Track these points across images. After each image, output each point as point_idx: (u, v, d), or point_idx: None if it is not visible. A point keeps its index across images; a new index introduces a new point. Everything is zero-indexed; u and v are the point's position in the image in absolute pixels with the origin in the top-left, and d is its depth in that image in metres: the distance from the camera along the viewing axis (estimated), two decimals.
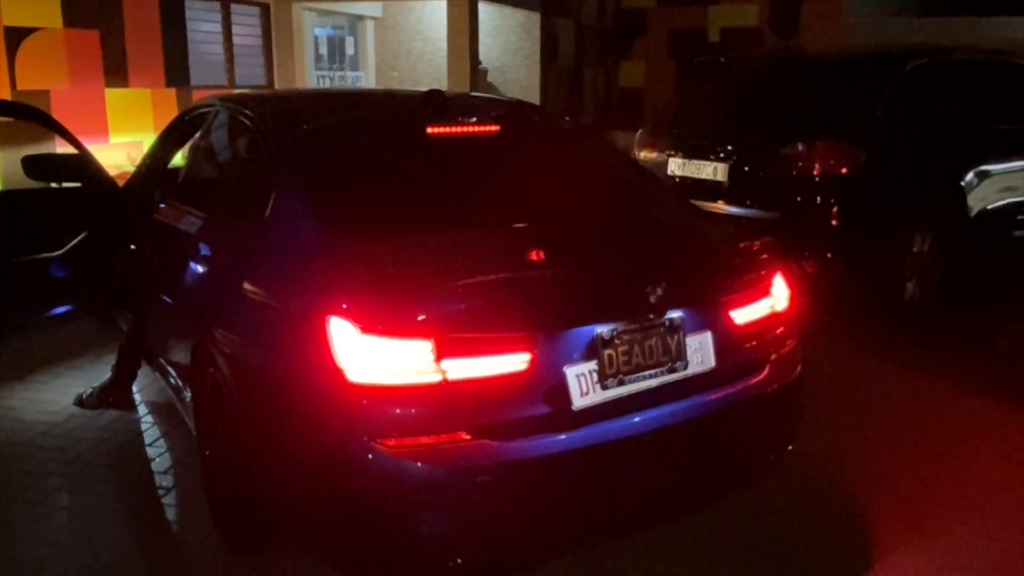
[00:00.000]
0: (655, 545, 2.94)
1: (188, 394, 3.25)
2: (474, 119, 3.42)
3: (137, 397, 4.20)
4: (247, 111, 3.30)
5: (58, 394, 4.24)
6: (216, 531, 2.99)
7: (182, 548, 3.02)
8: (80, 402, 4.10)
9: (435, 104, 3.39)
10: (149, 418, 4.04)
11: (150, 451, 3.71)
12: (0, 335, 4.14)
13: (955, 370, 4.66)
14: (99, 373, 4.37)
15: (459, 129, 3.33)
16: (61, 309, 4.18)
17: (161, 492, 3.38)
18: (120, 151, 9.09)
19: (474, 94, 5.79)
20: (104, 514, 3.19)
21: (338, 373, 2.23)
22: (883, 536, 3.05)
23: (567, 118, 4.54)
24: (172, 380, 3.57)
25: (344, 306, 2.26)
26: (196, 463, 3.27)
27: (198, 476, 3.23)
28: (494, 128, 3.47)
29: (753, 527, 3.09)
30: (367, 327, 2.21)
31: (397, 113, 3.58)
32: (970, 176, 5.69)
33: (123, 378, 4.10)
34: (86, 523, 3.15)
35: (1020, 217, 6.19)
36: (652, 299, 2.49)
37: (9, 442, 3.75)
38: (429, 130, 3.21)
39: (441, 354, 2.21)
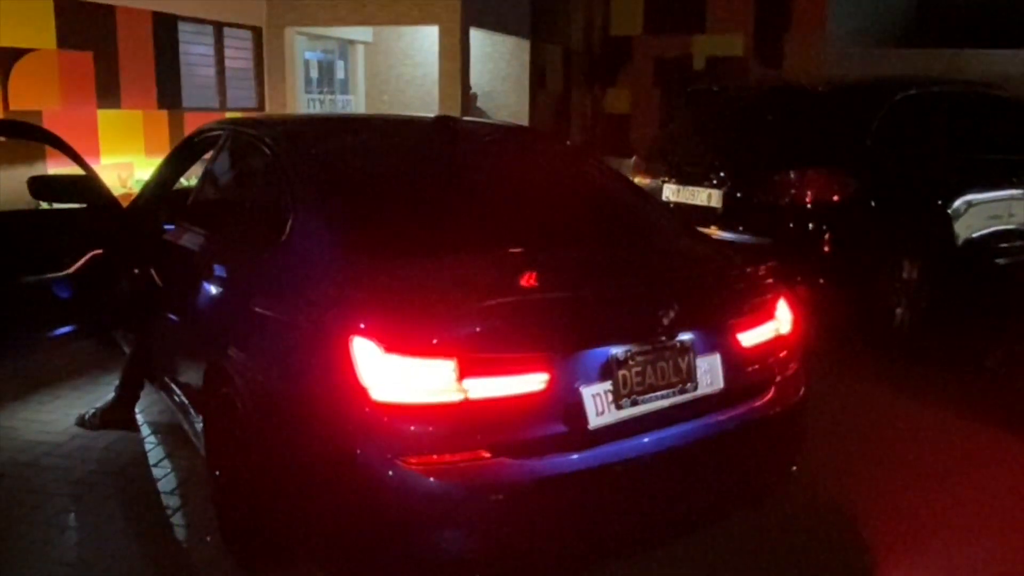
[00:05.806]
0: (663, 563, 2.99)
1: (197, 414, 3.26)
2: (487, 144, 3.49)
3: (139, 417, 4.19)
4: (261, 135, 3.35)
5: (60, 415, 4.23)
6: (227, 550, 3.00)
7: (193, 568, 3.02)
8: (82, 422, 4.07)
9: (446, 129, 3.47)
10: (153, 438, 4.04)
11: (155, 471, 3.71)
12: (2, 355, 4.12)
13: (945, 393, 4.75)
14: (101, 393, 4.36)
15: (474, 154, 3.40)
16: (63, 330, 4.17)
17: (168, 511, 3.38)
18: (111, 172, 9.09)
19: (480, 120, 5.87)
20: (111, 534, 3.19)
21: (362, 392, 2.27)
22: (883, 553, 3.11)
23: (568, 143, 4.63)
24: (178, 399, 3.58)
25: (367, 326, 2.30)
26: (205, 482, 3.27)
27: (207, 495, 3.24)
28: (508, 153, 3.53)
29: (757, 545, 3.14)
30: (391, 347, 2.26)
31: (409, 137, 3.64)
32: (957, 204, 5.82)
33: (126, 398, 4.06)
34: (94, 543, 3.14)
35: (1004, 245, 6.32)
36: (664, 322, 2.55)
37: (12, 463, 3.73)
38: (444, 155, 3.27)
39: (463, 373, 2.26)
